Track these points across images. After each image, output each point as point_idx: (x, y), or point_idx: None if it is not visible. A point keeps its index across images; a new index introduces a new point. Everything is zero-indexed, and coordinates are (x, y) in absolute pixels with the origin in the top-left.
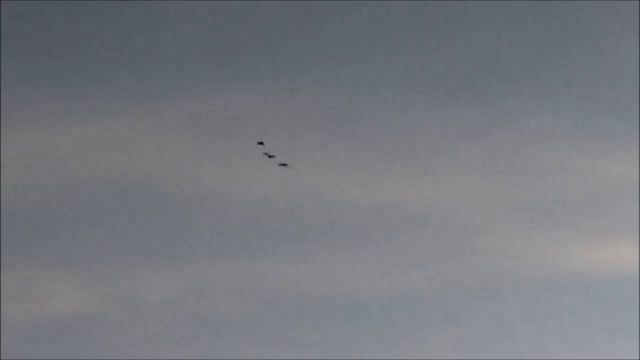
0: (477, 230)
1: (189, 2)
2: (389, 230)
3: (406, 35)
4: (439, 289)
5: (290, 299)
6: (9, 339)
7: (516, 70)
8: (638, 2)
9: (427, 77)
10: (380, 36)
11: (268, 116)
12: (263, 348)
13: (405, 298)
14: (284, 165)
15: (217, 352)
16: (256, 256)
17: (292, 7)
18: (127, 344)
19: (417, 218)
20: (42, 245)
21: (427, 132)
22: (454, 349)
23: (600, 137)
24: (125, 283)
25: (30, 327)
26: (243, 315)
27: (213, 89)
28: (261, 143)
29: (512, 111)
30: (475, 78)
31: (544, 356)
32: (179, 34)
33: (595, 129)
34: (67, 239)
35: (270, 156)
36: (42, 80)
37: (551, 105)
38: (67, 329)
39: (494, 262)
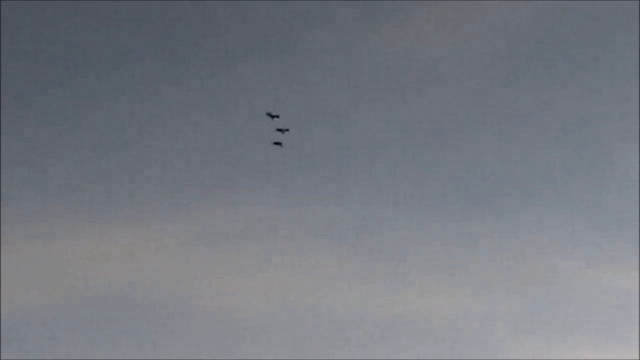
0: (489, 340)
1: (191, 116)
2: (400, 342)
3: (418, 150)
4: None
5: None
6: None
7: (524, 185)
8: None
9: (440, 192)
10: (395, 151)
11: (281, 229)
12: None
13: None
14: (278, 144)
15: None
16: None
17: (303, 120)
18: None
19: (430, 329)
20: (44, 356)
21: (438, 246)
22: None
23: (608, 249)
24: None
25: None
26: None
27: (218, 203)
28: (275, 116)
29: (523, 224)
30: (487, 193)
31: None
32: (181, 149)
33: (604, 242)
34: (69, 350)
35: (282, 130)
36: (44, 194)
37: (560, 218)
38: None
39: None
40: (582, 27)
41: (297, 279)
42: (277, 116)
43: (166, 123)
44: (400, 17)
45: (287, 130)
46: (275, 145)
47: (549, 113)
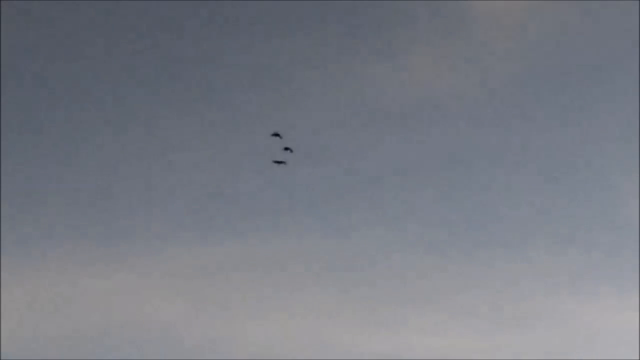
0: None
1: (192, 154)
2: None
3: (419, 188)
4: None
5: None
6: None
7: (525, 224)
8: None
9: (442, 230)
10: (392, 188)
11: (273, 265)
12: None
13: None
14: (281, 163)
15: None
16: None
17: (305, 156)
18: None
19: None
20: None
21: (432, 283)
22: None
23: (606, 289)
24: None
25: None
26: None
27: (217, 240)
28: (278, 135)
29: (517, 263)
30: (488, 231)
31: None
32: (183, 186)
33: (601, 282)
34: None
35: (288, 149)
36: (47, 232)
37: (561, 257)
38: None
39: None
40: (582, 67)
41: (299, 315)
42: (281, 137)
43: (167, 158)
44: (399, 56)
45: (291, 150)
46: (277, 164)
47: (550, 151)
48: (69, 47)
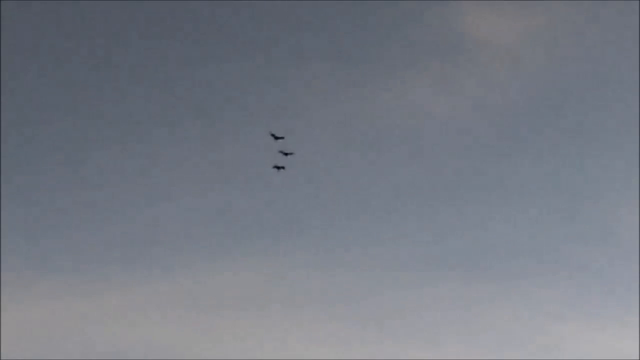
0: None
1: (187, 179)
2: None
3: (418, 214)
4: None
5: None
6: None
7: (525, 250)
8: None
9: (441, 257)
10: (395, 214)
11: (269, 291)
12: None
13: None
14: (281, 168)
15: None
16: None
17: (295, 179)
18: None
19: None
20: None
21: (430, 309)
22: None
23: (602, 315)
24: None
25: None
26: None
27: (212, 265)
28: (280, 137)
29: (514, 290)
30: (488, 257)
31: None
32: (178, 211)
33: (596, 308)
34: None
35: (287, 154)
36: (44, 257)
37: (555, 284)
38: None
39: None
40: (581, 93)
41: (292, 342)
42: (282, 137)
43: (164, 185)
44: (398, 80)
45: (291, 154)
46: (277, 169)
47: (550, 176)
48: (69, 47)
